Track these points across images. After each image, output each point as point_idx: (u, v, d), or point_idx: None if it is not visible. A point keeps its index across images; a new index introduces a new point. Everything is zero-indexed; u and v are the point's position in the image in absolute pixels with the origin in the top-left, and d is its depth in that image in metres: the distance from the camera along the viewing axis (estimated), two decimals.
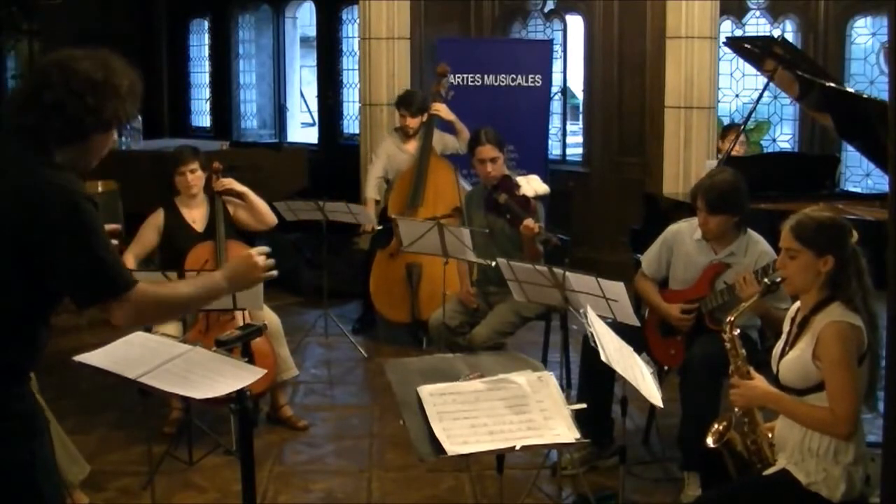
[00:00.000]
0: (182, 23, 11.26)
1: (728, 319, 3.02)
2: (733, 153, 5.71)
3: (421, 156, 6.15)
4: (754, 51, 5.41)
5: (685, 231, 4.15)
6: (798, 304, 3.02)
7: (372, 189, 6.31)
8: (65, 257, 2.15)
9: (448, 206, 5.60)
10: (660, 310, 4.11)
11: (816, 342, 2.83)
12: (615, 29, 7.90)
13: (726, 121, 7.74)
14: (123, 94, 2.28)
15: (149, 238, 4.74)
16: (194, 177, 4.71)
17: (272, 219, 4.87)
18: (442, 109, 6.20)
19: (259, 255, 2.52)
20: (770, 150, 7.73)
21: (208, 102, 11.20)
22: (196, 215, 4.78)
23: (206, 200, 4.81)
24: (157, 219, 4.75)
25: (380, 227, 6.17)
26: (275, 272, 2.56)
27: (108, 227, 2.44)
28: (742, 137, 6.24)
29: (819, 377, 2.82)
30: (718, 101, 7.29)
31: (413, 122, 6.25)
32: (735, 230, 3.98)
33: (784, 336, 3.03)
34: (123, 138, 8.43)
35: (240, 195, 4.73)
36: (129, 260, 4.57)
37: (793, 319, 3.02)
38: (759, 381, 2.97)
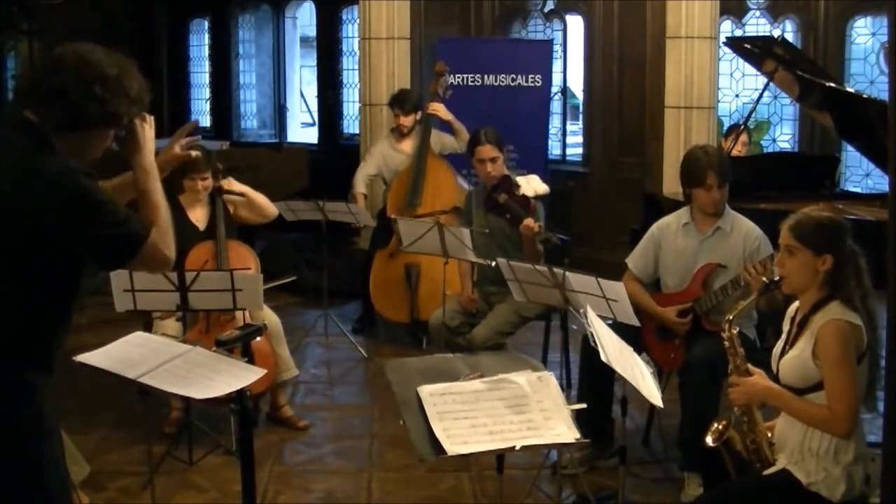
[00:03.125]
0: (182, 23, 11.25)
1: (727, 318, 3.03)
2: (733, 153, 5.71)
3: (418, 156, 6.14)
4: (754, 51, 5.41)
5: (672, 223, 4.18)
6: (797, 303, 3.03)
7: (360, 184, 6.28)
8: (80, 236, 2.20)
9: (446, 206, 5.60)
10: (655, 314, 4.10)
11: (815, 341, 2.83)
12: (615, 29, 7.90)
13: (726, 121, 7.74)
14: (132, 96, 2.30)
15: None
16: (205, 184, 4.71)
17: (273, 211, 4.89)
18: (440, 109, 6.19)
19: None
20: (770, 150, 7.73)
21: (208, 102, 11.19)
22: (199, 215, 4.78)
23: (208, 201, 4.81)
24: None
25: (375, 225, 6.16)
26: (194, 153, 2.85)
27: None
28: (744, 137, 6.24)
29: (818, 376, 2.82)
30: (718, 101, 7.28)
31: (406, 121, 6.23)
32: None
33: (784, 335, 3.03)
34: None
35: (240, 194, 4.74)
36: None
37: (792, 319, 3.03)
38: (759, 378, 2.97)
